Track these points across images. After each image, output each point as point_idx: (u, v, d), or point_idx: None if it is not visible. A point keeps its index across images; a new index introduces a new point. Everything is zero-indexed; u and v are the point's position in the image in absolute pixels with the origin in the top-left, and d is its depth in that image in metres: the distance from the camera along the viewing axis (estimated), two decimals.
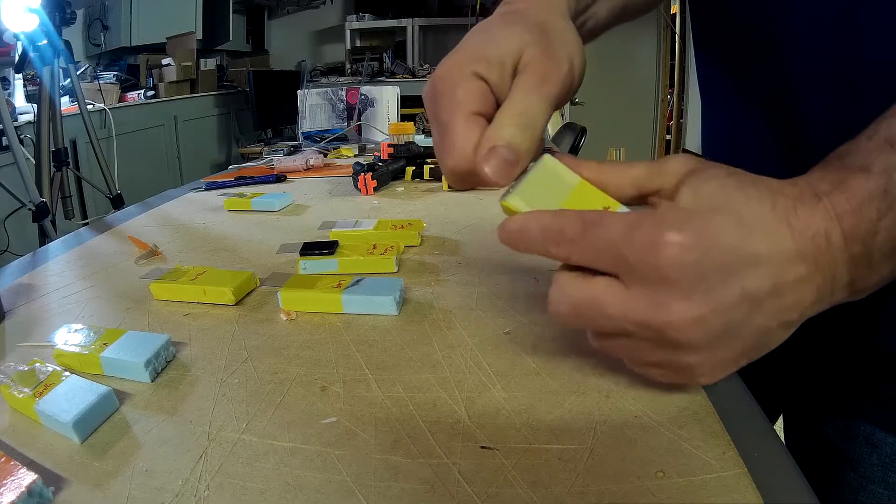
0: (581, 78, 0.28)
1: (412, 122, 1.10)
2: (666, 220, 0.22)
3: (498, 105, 0.26)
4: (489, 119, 0.26)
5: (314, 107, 1.27)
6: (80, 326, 0.35)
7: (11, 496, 0.21)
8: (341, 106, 1.27)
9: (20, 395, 0.28)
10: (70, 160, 1.90)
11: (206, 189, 0.80)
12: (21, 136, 1.74)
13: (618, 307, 0.23)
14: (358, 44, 3.77)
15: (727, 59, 0.40)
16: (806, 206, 0.22)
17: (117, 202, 2.04)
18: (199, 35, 3.20)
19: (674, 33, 3.45)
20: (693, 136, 3.25)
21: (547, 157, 0.26)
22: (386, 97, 1.24)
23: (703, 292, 0.21)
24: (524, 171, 0.26)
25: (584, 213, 0.24)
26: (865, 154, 0.22)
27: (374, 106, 1.25)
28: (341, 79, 3.54)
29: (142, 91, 2.87)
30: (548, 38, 0.27)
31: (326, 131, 1.24)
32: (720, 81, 0.43)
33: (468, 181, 0.27)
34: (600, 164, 0.26)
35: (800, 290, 0.22)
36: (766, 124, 0.38)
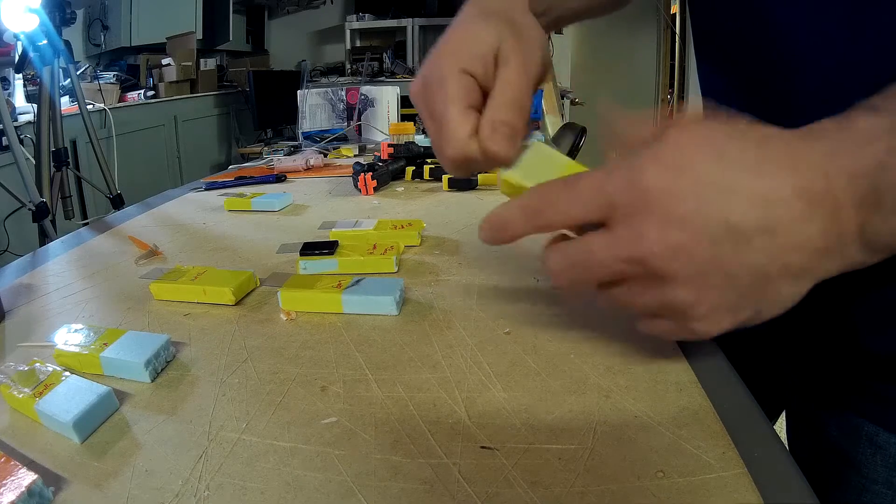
0: (550, 61, 0.33)
1: (412, 122, 1.10)
2: (643, 155, 0.23)
3: (484, 94, 0.30)
4: (479, 110, 0.29)
5: (314, 107, 1.27)
6: (80, 326, 0.35)
7: (11, 496, 0.21)
8: (341, 106, 1.26)
9: (20, 395, 0.28)
10: (70, 160, 1.90)
11: (206, 189, 0.80)
12: (21, 136, 1.74)
13: (604, 248, 0.24)
14: (358, 44, 3.76)
15: (729, 72, 0.40)
16: (803, 144, 0.21)
17: (117, 202, 2.04)
18: (199, 35, 3.20)
19: (674, 33, 3.45)
20: None
21: (538, 141, 0.31)
22: (386, 97, 1.24)
23: (680, 219, 0.22)
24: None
25: (560, 178, 0.26)
26: (874, 100, 0.22)
27: (374, 106, 1.25)
28: (341, 79, 3.53)
29: (142, 91, 2.86)
30: (519, 31, 0.31)
31: (326, 131, 1.24)
32: (722, 92, 0.42)
33: (467, 168, 0.31)
34: None
35: (797, 230, 0.21)
36: None
